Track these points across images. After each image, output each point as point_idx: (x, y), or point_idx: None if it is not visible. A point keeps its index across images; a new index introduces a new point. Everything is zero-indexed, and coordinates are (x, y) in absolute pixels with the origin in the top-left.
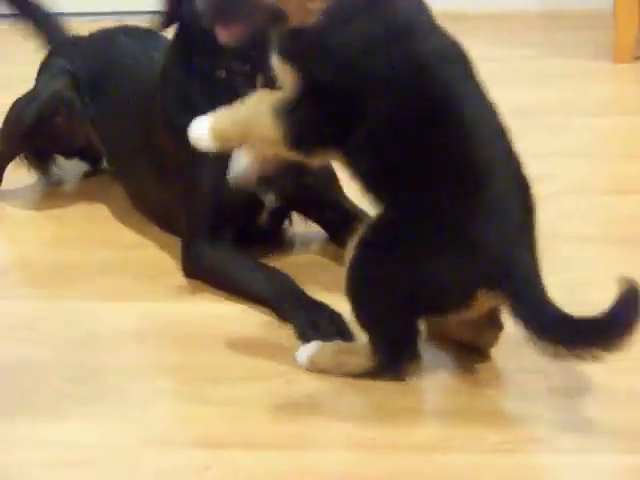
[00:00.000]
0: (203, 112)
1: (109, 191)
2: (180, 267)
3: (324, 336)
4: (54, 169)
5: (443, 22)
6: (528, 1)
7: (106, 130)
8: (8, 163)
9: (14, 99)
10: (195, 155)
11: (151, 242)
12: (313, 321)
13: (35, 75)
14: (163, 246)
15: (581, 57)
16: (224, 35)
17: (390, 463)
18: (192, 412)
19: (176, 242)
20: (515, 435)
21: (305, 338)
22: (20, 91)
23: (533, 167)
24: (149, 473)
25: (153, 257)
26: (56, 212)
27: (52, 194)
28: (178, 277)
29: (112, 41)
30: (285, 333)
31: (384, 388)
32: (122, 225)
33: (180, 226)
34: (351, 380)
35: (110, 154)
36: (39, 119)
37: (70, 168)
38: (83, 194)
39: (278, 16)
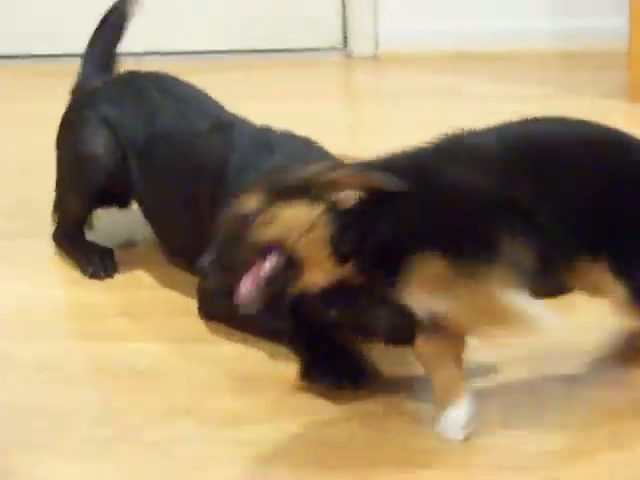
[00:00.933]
0: None
1: (135, 235)
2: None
3: (332, 376)
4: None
5: (458, 62)
6: (542, 40)
7: (147, 191)
8: (83, 224)
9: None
10: None
11: (171, 283)
12: (326, 361)
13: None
14: (183, 287)
15: (596, 96)
16: (238, 297)
17: None
18: (213, 454)
19: (195, 283)
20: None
21: (306, 379)
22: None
23: None
24: None
25: (173, 298)
26: None
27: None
28: (197, 318)
29: (140, 91)
30: None
31: (406, 418)
32: (144, 266)
33: None
34: (369, 419)
35: (148, 211)
36: (104, 178)
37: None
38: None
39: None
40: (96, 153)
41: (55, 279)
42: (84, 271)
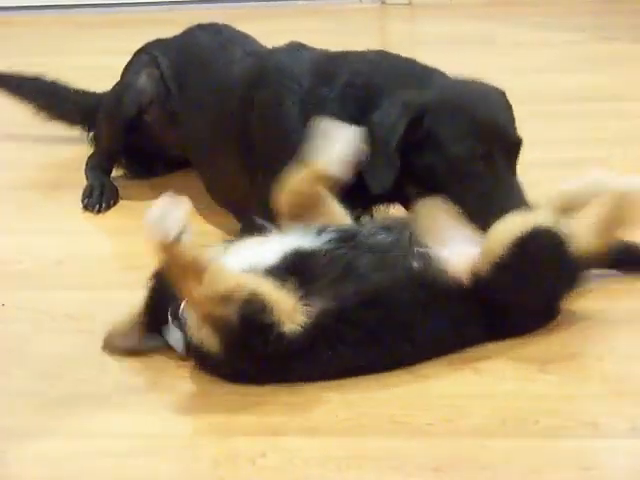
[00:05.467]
0: None
1: (186, 185)
2: None
3: None
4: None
5: (491, 8)
6: None
7: (187, 122)
8: (115, 158)
9: None
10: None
11: (210, 231)
12: None
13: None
14: (217, 237)
15: (630, 41)
16: None
17: (445, 449)
18: (247, 400)
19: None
20: (567, 419)
21: None
22: None
23: (586, 152)
24: (206, 461)
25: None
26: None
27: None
28: None
29: (191, 36)
30: None
31: (438, 375)
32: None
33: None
34: (402, 371)
35: (189, 143)
36: (137, 109)
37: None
38: (157, 186)
39: None
40: (136, 83)
41: (92, 229)
42: (81, 201)
